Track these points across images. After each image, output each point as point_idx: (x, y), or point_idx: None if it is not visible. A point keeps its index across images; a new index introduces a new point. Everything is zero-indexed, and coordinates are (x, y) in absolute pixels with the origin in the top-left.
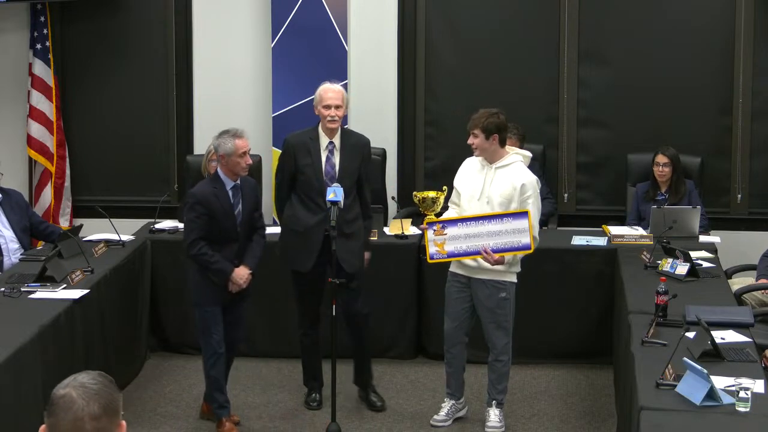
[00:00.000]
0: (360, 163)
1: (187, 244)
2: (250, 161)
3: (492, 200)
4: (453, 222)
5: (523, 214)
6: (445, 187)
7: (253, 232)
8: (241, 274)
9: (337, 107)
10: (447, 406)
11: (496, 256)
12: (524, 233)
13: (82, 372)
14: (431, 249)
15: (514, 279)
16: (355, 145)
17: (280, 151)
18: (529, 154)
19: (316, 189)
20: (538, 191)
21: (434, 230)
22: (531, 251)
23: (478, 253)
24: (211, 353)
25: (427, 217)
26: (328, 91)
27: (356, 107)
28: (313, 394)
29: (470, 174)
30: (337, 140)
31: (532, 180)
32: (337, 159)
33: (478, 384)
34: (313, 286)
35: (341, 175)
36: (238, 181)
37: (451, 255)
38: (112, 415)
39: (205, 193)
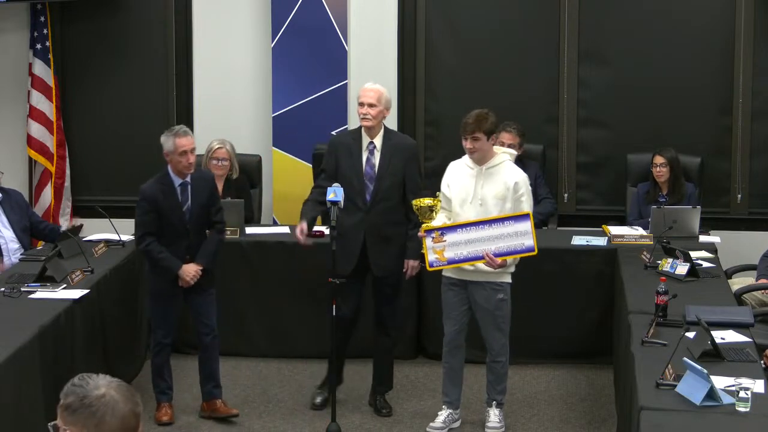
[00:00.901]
0: (402, 165)
1: (136, 239)
2: (192, 160)
3: (486, 201)
4: (452, 228)
5: (525, 216)
6: (438, 193)
7: (210, 227)
8: (189, 270)
9: (370, 105)
10: (444, 414)
11: (499, 260)
12: (527, 236)
13: (85, 374)
14: (431, 257)
15: (509, 279)
16: (396, 146)
17: (325, 150)
18: (513, 152)
19: (356, 189)
20: (530, 188)
21: (432, 238)
22: (535, 253)
23: (479, 258)
24: (156, 343)
25: (424, 224)
26: (363, 90)
27: (356, 107)
28: (321, 396)
29: (459, 177)
30: (378, 141)
31: (524, 177)
32: (377, 160)
33: (478, 384)
34: (349, 288)
35: (380, 175)
36: (188, 179)
37: (451, 262)
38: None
39: (151, 191)
